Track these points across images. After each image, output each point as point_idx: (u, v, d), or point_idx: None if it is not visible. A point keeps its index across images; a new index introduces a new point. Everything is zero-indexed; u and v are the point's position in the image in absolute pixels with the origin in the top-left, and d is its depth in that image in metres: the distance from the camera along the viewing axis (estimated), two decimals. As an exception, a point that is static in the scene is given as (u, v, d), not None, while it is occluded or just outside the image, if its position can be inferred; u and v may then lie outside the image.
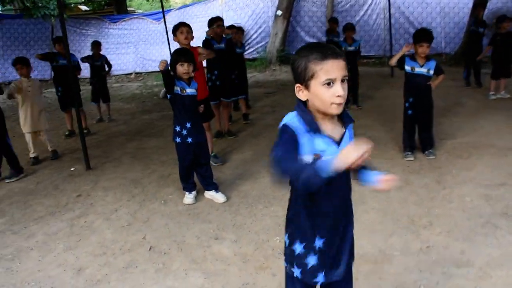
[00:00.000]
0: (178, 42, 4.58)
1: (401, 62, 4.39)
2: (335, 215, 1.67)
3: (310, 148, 1.54)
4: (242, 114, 6.85)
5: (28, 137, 5.71)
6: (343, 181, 1.66)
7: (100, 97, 7.93)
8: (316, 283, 1.73)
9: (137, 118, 8.12)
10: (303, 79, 1.54)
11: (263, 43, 12.58)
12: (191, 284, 2.77)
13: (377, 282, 2.64)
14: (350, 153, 1.36)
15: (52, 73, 6.90)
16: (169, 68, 3.75)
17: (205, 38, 5.71)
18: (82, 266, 3.09)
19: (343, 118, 1.64)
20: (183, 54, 3.72)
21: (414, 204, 3.57)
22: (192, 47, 4.68)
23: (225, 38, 5.80)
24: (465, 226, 3.20)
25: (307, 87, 1.54)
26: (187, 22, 5.73)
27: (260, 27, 12.73)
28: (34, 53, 10.00)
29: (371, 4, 11.88)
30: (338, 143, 1.59)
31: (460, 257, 2.84)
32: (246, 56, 12.68)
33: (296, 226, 1.71)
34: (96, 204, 4.16)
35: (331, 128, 1.61)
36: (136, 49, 14.54)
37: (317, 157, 1.55)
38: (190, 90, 3.81)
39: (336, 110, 1.53)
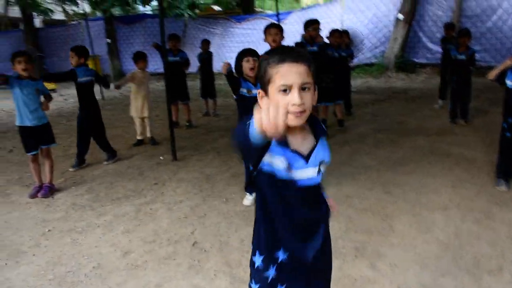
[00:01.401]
0: (267, 43, 4.60)
1: (502, 76, 3.78)
2: (295, 234, 1.55)
3: (279, 151, 1.42)
4: (337, 120, 6.62)
5: (137, 122, 6.45)
6: (304, 202, 1.51)
7: (207, 92, 8.38)
8: None
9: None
10: (263, 84, 1.42)
11: (382, 48, 11.97)
12: (215, 287, 2.76)
13: (404, 324, 2.33)
14: (262, 115, 1.07)
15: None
16: (233, 70, 3.79)
17: (298, 41, 5.65)
18: (129, 250, 3.29)
19: (316, 130, 1.50)
20: (249, 50, 3.73)
21: (487, 243, 3.06)
22: None
23: (318, 43, 5.66)
24: (545, 279, 2.64)
25: (266, 92, 1.42)
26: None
27: (380, 31, 12.13)
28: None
29: (506, 7, 10.46)
30: (307, 157, 1.45)
31: (523, 315, 2.36)
32: (363, 61, 12.29)
33: (256, 237, 1.61)
34: (166, 194, 4.39)
35: (300, 141, 1.47)
36: (257, 48, 14.97)
37: (287, 165, 1.43)
38: (256, 91, 3.78)
39: (293, 120, 1.37)
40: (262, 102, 1.46)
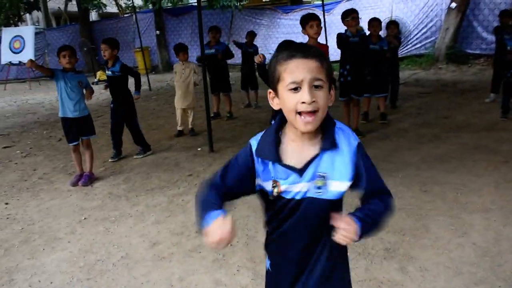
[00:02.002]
0: (307, 35, 4.47)
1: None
2: (284, 252, 1.47)
3: (267, 175, 1.36)
4: (380, 113, 6.39)
5: (178, 112, 6.51)
6: (296, 219, 1.39)
7: (248, 84, 8.34)
8: None
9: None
10: (273, 83, 1.34)
11: (432, 38, 11.39)
12: (236, 282, 2.73)
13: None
14: (210, 234, 1.26)
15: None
16: (265, 63, 3.73)
17: (340, 32, 5.49)
18: (157, 241, 3.33)
19: (324, 141, 1.33)
20: (284, 44, 3.67)
21: (531, 250, 2.83)
22: (320, 43, 4.53)
23: (360, 32, 5.46)
24: None
25: (277, 93, 1.33)
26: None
27: (431, 20, 11.53)
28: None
29: None
30: (301, 171, 1.32)
31: None
32: (413, 52, 11.79)
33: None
34: (199, 185, 4.41)
35: (300, 150, 1.34)
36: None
37: (275, 185, 1.34)
38: None
39: (303, 126, 1.27)
40: (274, 103, 1.37)
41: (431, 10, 11.53)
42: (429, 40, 11.53)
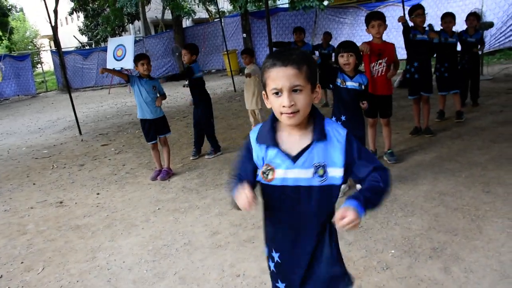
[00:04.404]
0: (370, 34, 4.52)
1: None
2: (288, 232, 1.62)
3: (261, 158, 1.55)
4: (456, 112, 6.11)
5: (249, 113, 6.84)
6: (290, 204, 1.56)
7: (325, 83, 8.42)
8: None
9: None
10: (263, 87, 1.54)
11: (531, 28, 10.46)
12: (280, 271, 2.93)
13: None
14: (238, 200, 1.47)
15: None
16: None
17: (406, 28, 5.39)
18: (217, 231, 3.65)
19: (315, 132, 1.52)
20: (343, 45, 3.79)
21: None
22: (385, 42, 4.53)
23: (428, 30, 5.30)
24: None
25: (267, 94, 1.54)
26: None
27: (530, 9, 10.58)
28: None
29: None
30: (295, 158, 1.50)
31: None
32: (506, 45, 10.92)
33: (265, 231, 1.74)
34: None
35: (296, 140, 1.52)
36: (387, 36, 14.36)
37: (269, 168, 1.53)
38: (351, 84, 3.83)
39: (287, 120, 1.46)
40: (267, 103, 1.56)
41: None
42: (527, 32, 10.61)
